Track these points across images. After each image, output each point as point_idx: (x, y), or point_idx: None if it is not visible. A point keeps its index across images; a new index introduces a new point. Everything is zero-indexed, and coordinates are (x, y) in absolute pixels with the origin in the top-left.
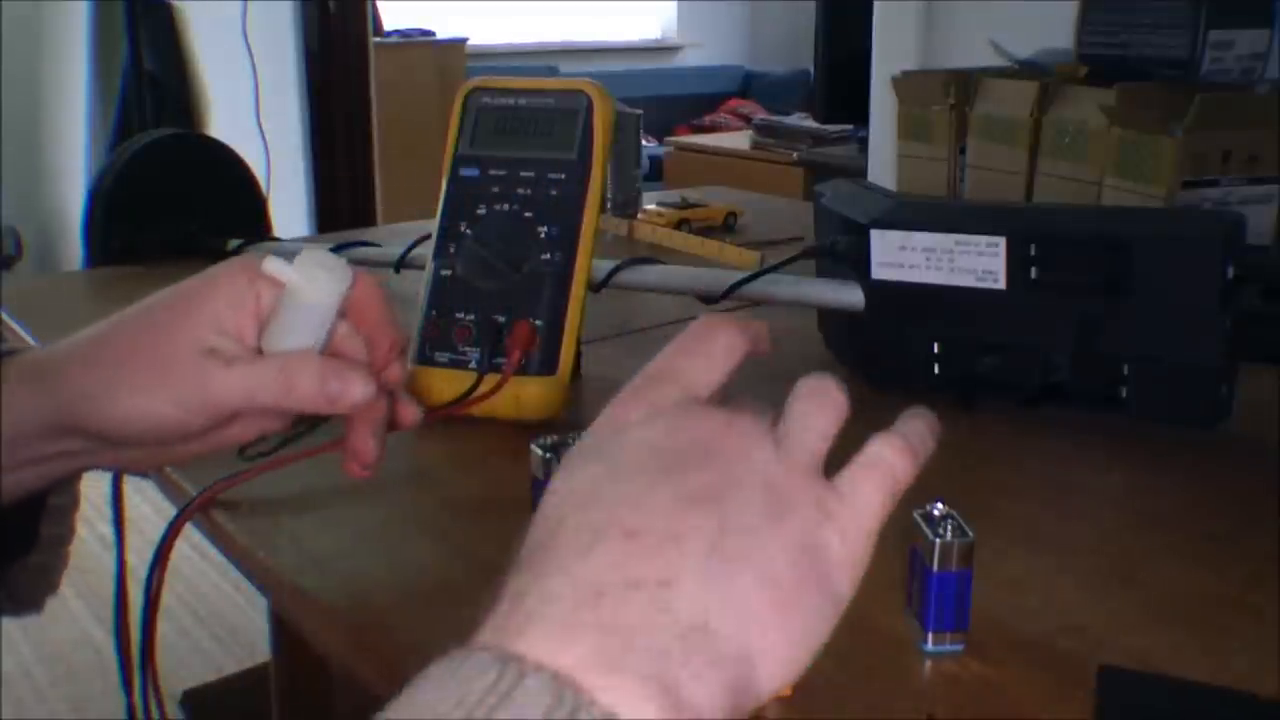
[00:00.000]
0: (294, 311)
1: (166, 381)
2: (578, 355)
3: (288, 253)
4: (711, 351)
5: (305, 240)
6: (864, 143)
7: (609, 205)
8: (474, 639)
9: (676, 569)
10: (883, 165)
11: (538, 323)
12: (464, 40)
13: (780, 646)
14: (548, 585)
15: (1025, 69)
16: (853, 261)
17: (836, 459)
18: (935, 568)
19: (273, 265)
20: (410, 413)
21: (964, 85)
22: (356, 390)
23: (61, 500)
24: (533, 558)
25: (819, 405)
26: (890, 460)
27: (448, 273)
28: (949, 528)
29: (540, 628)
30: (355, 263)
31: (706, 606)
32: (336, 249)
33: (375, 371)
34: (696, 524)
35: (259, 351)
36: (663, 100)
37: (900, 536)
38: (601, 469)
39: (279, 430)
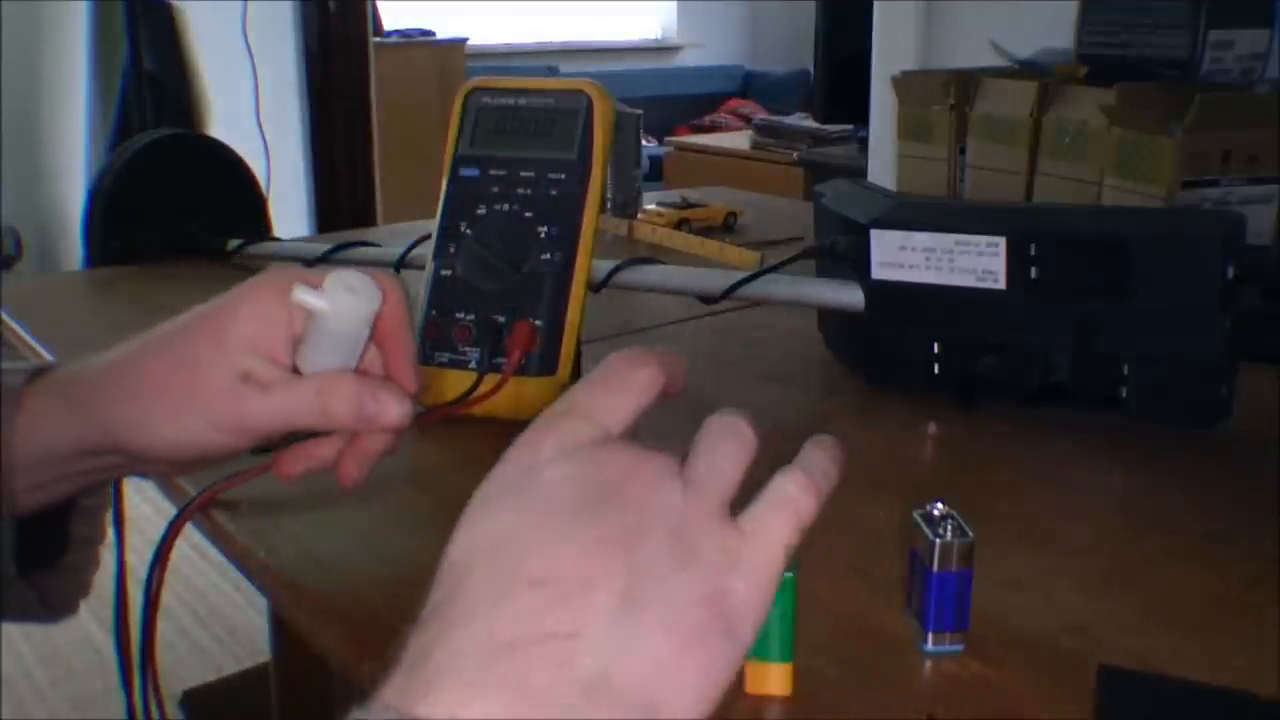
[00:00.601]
0: (325, 335)
1: (204, 411)
2: (578, 355)
3: (287, 254)
4: (627, 388)
5: (305, 240)
6: (864, 143)
7: (609, 205)
8: (379, 695)
9: (584, 620)
10: (883, 165)
11: (538, 323)
12: (464, 40)
13: (683, 694)
14: (454, 640)
15: (1025, 69)
16: (853, 261)
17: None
18: (935, 568)
19: (301, 294)
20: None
21: (964, 85)
22: (393, 411)
23: (92, 501)
24: (439, 610)
25: (727, 445)
26: (795, 497)
27: (448, 273)
28: (949, 528)
29: (446, 685)
30: (356, 263)
31: (612, 657)
32: (336, 249)
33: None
34: (605, 572)
35: (294, 369)
36: (663, 100)
37: (900, 536)
38: (510, 512)
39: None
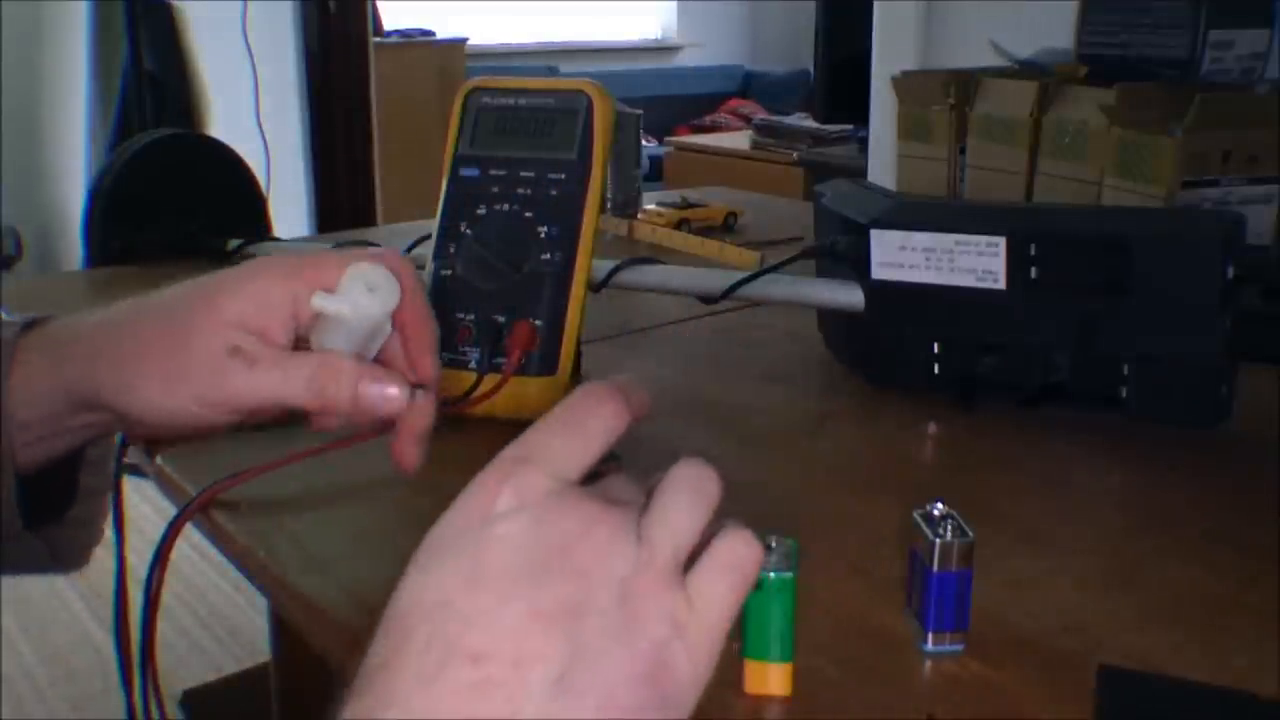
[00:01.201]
0: (342, 327)
1: (189, 381)
2: (578, 355)
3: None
4: (588, 429)
5: (306, 240)
6: (864, 143)
7: (609, 205)
8: None
9: (519, 702)
10: (883, 165)
11: (538, 323)
12: (464, 40)
13: None
14: None
15: (1025, 69)
16: (853, 261)
17: (843, 449)
18: (935, 568)
19: (320, 301)
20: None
21: (964, 85)
22: (392, 397)
23: (98, 452)
24: (375, 678)
25: (688, 498)
26: (743, 559)
27: (448, 273)
28: (949, 528)
29: None
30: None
31: None
32: (335, 249)
33: (411, 366)
34: (543, 652)
35: (292, 348)
36: (663, 100)
37: (900, 536)
38: (457, 573)
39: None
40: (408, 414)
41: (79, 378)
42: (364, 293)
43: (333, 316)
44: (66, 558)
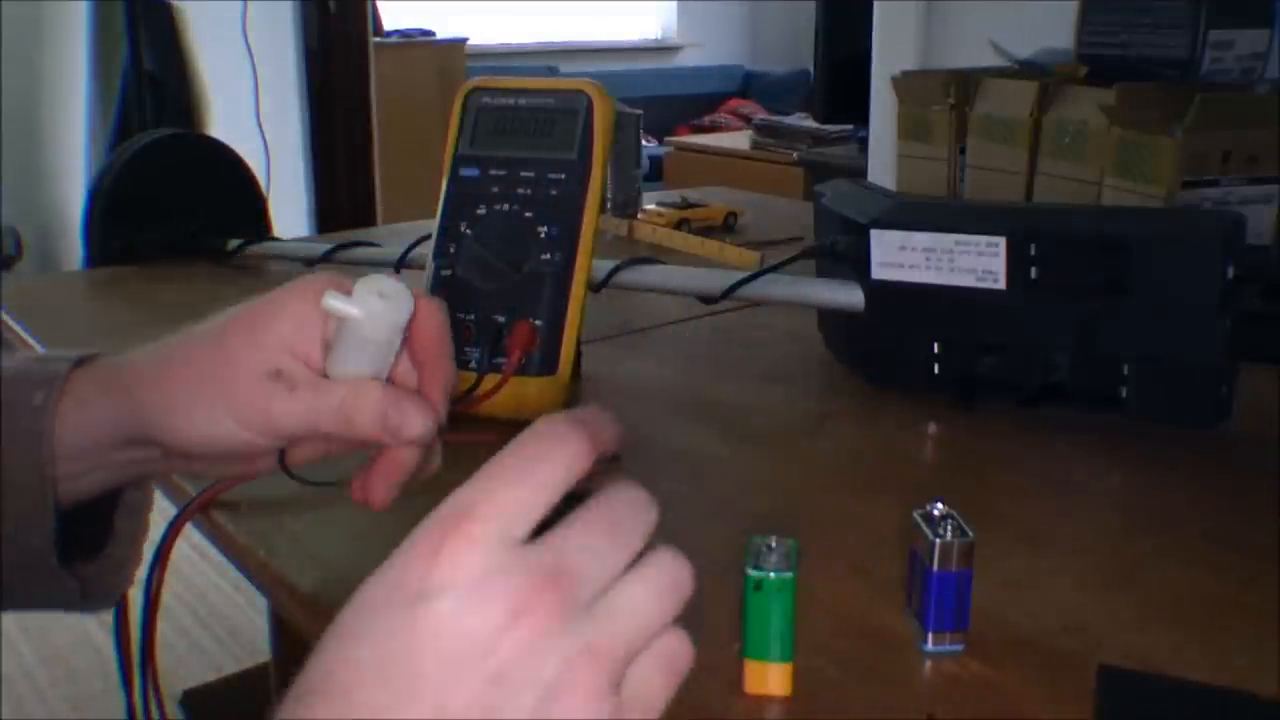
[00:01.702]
0: (355, 340)
1: (232, 404)
2: (578, 355)
3: (287, 254)
4: (542, 474)
5: (305, 240)
6: (864, 143)
7: (609, 205)
8: None
9: None
10: (883, 165)
11: (538, 323)
12: (464, 40)
13: None
14: None
15: (1025, 69)
16: (853, 261)
17: (843, 449)
18: (935, 568)
19: (332, 301)
20: (432, 466)
21: (964, 85)
22: (416, 426)
23: (136, 495)
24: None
25: (658, 594)
26: (678, 650)
27: (448, 273)
28: (949, 528)
29: None
30: (356, 264)
31: None
32: (336, 249)
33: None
34: None
35: (325, 375)
36: (663, 100)
37: (900, 536)
38: (374, 652)
39: (341, 453)
40: (393, 450)
41: (126, 408)
42: (376, 299)
43: (345, 321)
44: (97, 596)
